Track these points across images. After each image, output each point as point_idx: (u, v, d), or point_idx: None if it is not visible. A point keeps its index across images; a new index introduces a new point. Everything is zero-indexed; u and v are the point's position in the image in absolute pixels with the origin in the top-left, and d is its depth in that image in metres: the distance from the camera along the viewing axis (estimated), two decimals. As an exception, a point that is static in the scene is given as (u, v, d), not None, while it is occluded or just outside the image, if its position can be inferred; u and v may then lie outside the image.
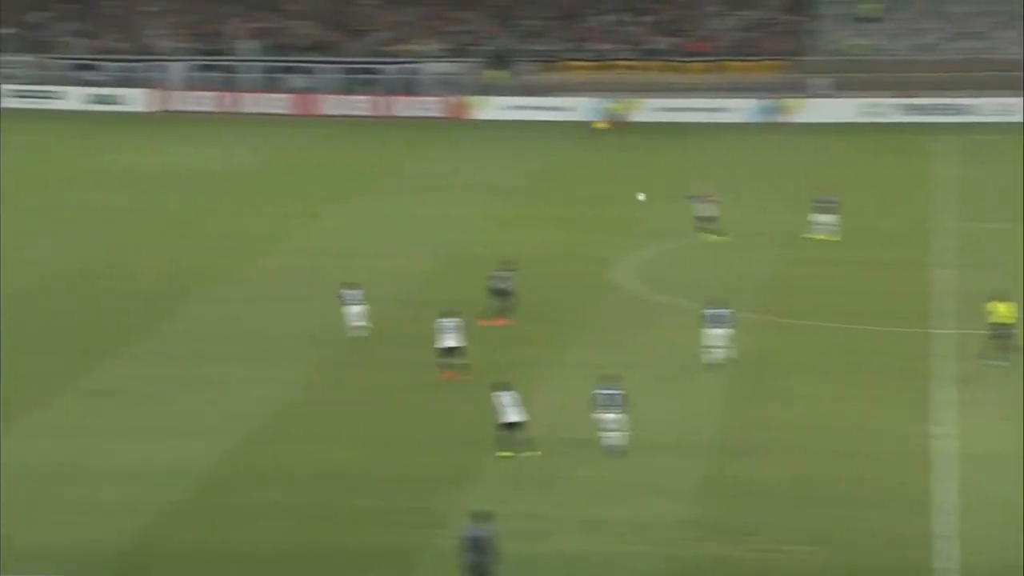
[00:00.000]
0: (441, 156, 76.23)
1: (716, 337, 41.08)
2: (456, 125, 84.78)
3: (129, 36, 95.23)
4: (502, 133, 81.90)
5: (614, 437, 34.77)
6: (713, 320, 41.23)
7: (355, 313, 43.27)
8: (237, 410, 37.96)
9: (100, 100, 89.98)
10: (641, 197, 59.79)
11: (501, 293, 44.90)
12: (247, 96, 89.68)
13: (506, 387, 34.60)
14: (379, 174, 70.35)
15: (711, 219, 56.20)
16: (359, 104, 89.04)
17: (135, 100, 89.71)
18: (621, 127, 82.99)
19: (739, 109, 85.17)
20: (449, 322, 39.98)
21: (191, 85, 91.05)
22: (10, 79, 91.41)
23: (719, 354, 41.06)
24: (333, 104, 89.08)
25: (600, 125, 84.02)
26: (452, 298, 43.51)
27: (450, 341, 39.76)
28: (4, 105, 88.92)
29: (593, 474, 33.78)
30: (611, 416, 34.72)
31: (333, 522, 31.43)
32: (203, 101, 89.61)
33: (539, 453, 34.29)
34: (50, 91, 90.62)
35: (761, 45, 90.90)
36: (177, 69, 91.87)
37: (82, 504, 32.09)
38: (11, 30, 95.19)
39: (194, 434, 36.24)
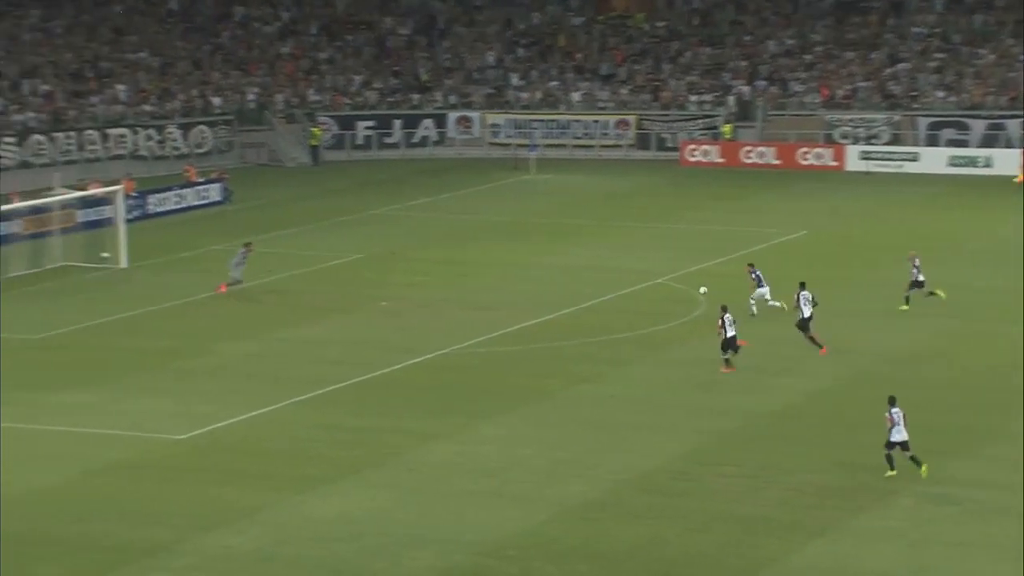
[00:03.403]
0: None
1: None
2: None
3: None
4: None
5: None
6: None
7: None
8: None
9: (964, 162, 78.22)
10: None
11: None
12: None
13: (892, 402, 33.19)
14: None
15: None
16: None
17: (1006, 161, 76.96)
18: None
19: None
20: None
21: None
22: (861, 139, 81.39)
23: None
24: None
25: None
26: None
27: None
28: (849, 168, 79.67)
29: None
30: None
31: None
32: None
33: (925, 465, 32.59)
34: (906, 152, 79.90)
35: None
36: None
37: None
38: (866, 83, 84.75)
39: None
